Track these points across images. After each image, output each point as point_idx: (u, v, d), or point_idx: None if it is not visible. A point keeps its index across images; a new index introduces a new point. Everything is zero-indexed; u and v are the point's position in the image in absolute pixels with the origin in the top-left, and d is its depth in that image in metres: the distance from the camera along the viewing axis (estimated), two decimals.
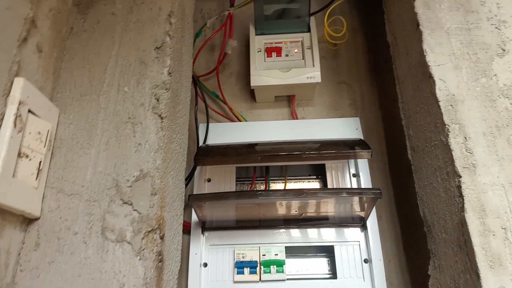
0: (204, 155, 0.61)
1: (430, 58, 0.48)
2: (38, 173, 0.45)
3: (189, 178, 0.66)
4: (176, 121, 0.53)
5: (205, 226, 0.62)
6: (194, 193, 0.65)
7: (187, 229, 0.63)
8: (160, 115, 0.48)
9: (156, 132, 0.47)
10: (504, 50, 0.47)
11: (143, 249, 0.41)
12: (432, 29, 0.50)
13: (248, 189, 0.70)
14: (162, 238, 0.44)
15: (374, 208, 0.61)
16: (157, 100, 0.49)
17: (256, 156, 0.58)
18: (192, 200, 0.51)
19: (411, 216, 0.69)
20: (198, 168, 0.67)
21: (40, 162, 0.45)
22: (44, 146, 0.46)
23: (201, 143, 0.68)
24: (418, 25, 0.50)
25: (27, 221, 0.45)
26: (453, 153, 0.43)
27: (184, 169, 0.56)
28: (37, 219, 0.45)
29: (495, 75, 0.46)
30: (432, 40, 0.49)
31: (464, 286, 0.41)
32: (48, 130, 0.47)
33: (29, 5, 0.46)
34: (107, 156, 0.46)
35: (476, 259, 0.38)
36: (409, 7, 0.54)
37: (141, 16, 0.55)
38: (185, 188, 0.65)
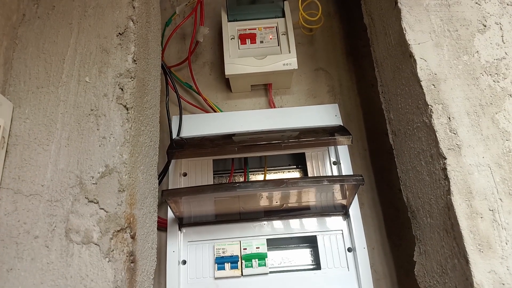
0: (178, 148, 0.57)
1: (410, 37, 0.46)
2: None
3: (163, 173, 0.62)
4: (144, 112, 0.49)
5: (183, 222, 0.59)
6: (169, 188, 0.61)
7: (163, 226, 0.60)
8: (125, 106, 0.44)
9: (121, 124, 0.43)
10: (485, 26, 0.45)
11: (112, 250, 0.38)
12: (411, 6, 0.48)
13: (227, 182, 0.67)
14: (133, 237, 0.40)
15: (356, 196, 0.60)
16: (122, 89, 0.45)
17: (233, 147, 0.55)
18: (166, 196, 0.48)
19: (394, 202, 0.68)
20: (173, 162, 0.63)
21: None
22: None
23: (175, 136, 0.65)
24: (396, 2, 0.48)
25: None
26: (437, 134, 0.41)
27: (156, 163, 0.53)
28: None
29: (477, 52, 0.44)
30: (411, 17, 0.47)
31: (451, 271, 0.40)
32: (1, 126, 0.42)
33: None
34: (69, 152, 0.42)
35: (464, 243, 0.37)
36: None
37: (100, 0, 0.50)
38: (160, 183, 0.62)
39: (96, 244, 0.38)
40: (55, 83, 0.45)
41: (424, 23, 0.46)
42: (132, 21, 0.49)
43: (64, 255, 0.38)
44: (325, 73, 0.81)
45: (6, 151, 0.43)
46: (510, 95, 0.42)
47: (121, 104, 0.44)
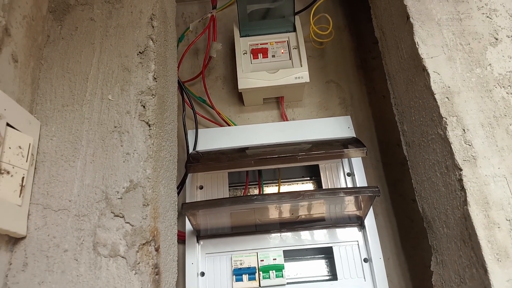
0: (195, 161, 0.59)
1: (423, 51, 0.47)
2: (21, 190, 0.42)
3: (180, 186, 0.63)
4: (164, 128, 0.51)
5: (200, 235, 0.60)
6: (187, 201, 0.62)
7: (181, 239, 0.61)
8: (147, 122, 0.46)
9: (144, 140, 0.45)
10: (496, 39, 0.47)
11: (139, 263, 0.39)
12: (423, 21, 0.49)
13: (242, 194, 0.68)
14: (157, 250, 0.41)
15: (371, 207, 0.60)
16: (144, 106, 0.46)
17: (248, 160, 0.56)
18: (185, 209, 0.49)
19: (408, 212, 0.68)
20: (189, 175, 0.65)
21: (23, 178, 0.43)
22: (26, 161, 0.43)
23: (191, 150, 0.66)
24: (408, 17, 0.50)
25: (13, 240, 0.42)
26: (452, 146, 0.42)
27: (175, 177, 0.54)
28: (23, 238, 0.42)
29: (490, 64, 0.45)
30: (424, 32, 0.48)
31: (470, 280, 0.40)
32: (30, 144, 0.44)
33: (0, 13, 0.43)
34: (94, 168, 0.44)
35: (483, 253, 0.37)
36: (397, 0, 0.53)
37: (121, 20, 0.53)
38: (177, 196, 0.63)
39: (123, 257, 0.39)
40: (79, 101, 0.47)
41: (436, 37, 0.48)
42: (152, 40, 0.51)
43: (93, 268, 0.39)
44: (336, 85, 0.82)
45: (35, 168, 0.44)
46: None
47: (143, 120, 0.46)
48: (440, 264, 0.48)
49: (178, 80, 0.68)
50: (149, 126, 0.46)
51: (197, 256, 0.59)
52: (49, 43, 0.52)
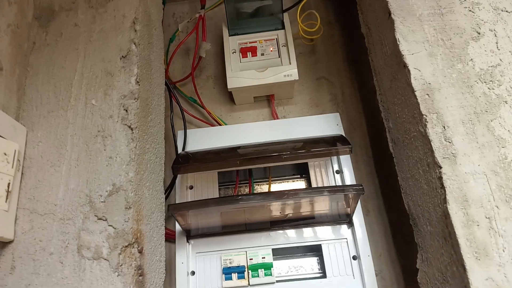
0: (183, 162, 0.59)
1: (404, 47, 0.47)
2: (7, 195, 0.43)
3: (170, 187, 0.64)
4: (148, 131, 0.51)
5: (190, 234, 0.61)
6: (177, 201, 0.63)
7: (173, 238, 0.62)
8: (130, 126, 0.46)
9: (127, 144, 0.45)
10: (479, 33, 0.46)
11: (121, 265, 0.40)
12: (404, 16, 0.48)
13: (232, 193, 0.69)
14: (140, 251, 0.42)
15: (359, 204, 0.60)
16: (126, 110, 0.47)
17: (234, 160, 0.57)
18: (171, 211, 0.49)
19: (399, 208, 0.68)
20: (179, 175, 0.65)
21: (9, 183, 0.44)
22: (12, 167, 0.44)
23: (180, 151, 0.67)
24: (390, 13, 0.49)
25: (1, 244, 0.43)
26: (432, 144, 0.42)
27: (162, 178, 0.55)
28: (10, 242, 0.43)
29: (471, 59, 0.45)
30: (405, 28, 0.48)
31: (451, 278, 0.40)
32: (15, 150, 0.45)
33: None
34: (79, 172, 0.44)
35: (461, 251, 0.37)
36: None
37: (104, 25, 0.53)
38: (167, 197, 0.64)
39: (105, 259, 0.40)
40: (64, 107, 0.48)
41: (417, 33, 0.47)
42: (134, 44, 0.52)
43: (77, 270, 0.40)
44: (327, 82, 0.81)
45: (22, 173, 0.45)
46: (505, 101, 0.42)
47: (125, 124, 0.46)
48: (425, 261, 0.48)
49: (166, 81, 0.68)
50: (132, 129, 0.46)
51: (188, 256, 0.60)
52: (35, 49, 0.53)
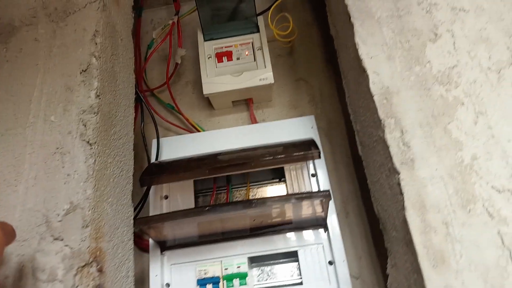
0: (155, 173, 0.59)
1: (363, 51, 0.46)
2: None
3: (144, 199, 0.64)
4: (111, 145, 0.51)
5: (165, 245, 0.60)
6: (151, 212, 0.63)
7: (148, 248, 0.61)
8: (88, 142, 0.46)
9: (85, 160, 0.45)
10: (436, 35, 0.45)
11: (77, 286, 0.39)
12: (363, 19, 0.47)
13: (209, 201, 0.68)
14: (100, 270, 0.42)
15: (334, 208, 0.60)
16: (85, 126, 0.47)
17: (206, 169, 0.56)
18: (136, 226, 0.49)
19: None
20: (153, 186, 0.65)
21: None
22: None
23: (153, 160, 0.66)
24: (349, 17, 0.48)
25: None
26: (390, 149, 0.41)
27: (129, 191, 0.54)
28: None
29: (429, 61, 0.44)
30: (364, 31, 0.47)
31: (414, 285, 0.39)
32: None
33: None
34: (36, 191, 0.44)
35: (419, 259, 0.37)
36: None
37: (65, 39, 0.52)
38: (141, 209, 0.63)
39: (60, 281, 0.39)
40: (22, 125, 0.48)
41: (376, 36, 0.46)
42: (95, 57, 0.51)
43: None
44: (305, 83, 0.81)
45: None
46: (462, 103, 0.41)
47: (84, 140, 0.46)
48: (394, 267, 0.47)
49: (136, 90, 0.68)
50: (90, 145, 0.46)
51: (162, 268, 0.59)
52: None
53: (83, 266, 0.40)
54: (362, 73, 0.47)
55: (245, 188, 0.70)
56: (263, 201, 0.50)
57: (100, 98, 0.49)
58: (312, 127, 0.68)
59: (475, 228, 0.37)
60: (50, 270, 0.40)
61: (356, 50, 0.47)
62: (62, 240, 0.41)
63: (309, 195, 0.51)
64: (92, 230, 0.42)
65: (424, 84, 0.43)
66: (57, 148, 0.46)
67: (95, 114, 0.48)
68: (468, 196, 0.38)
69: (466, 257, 0.36)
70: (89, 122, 0.47)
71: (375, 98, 0.43)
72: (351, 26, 0.48)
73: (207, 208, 0.50)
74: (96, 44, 0.52)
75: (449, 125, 0.40)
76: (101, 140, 0.48)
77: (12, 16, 0.55)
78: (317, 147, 0.56)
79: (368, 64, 0.45)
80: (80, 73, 0.50)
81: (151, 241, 0.60)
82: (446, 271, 0.36)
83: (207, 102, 0.80)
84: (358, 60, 0.47)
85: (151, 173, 0.58)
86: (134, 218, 0.52)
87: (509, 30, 0.44)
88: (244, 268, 0.58)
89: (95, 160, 0.45)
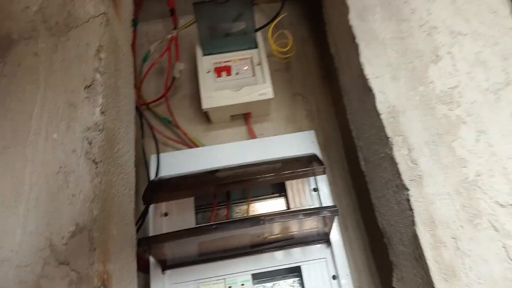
0: (156, 190, 0.58)
1: (368, 71, 0.47)
2: None
3: (143, 217, 0.62)
4: (115, 162, 0.49)
5: (166, 265, 0.59)
6: (150, 230, 0.61)
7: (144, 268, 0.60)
8: (94, 160, 0.45)
9: (91, 180, 0.43)
10: (437, 56, 0.47)
11: None
12: (368, 41, 0.49)
13: (210, 217, 0.67)
14: None
15: (337, 223, 0.60)
16: (90, 144, 0.45)
17: (210, 186, 0.56)
18: (143, 245, 0.48)
19: (377, 223, 0.68)
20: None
21: None
22: None
23: (153, 176, 0.65)
24: (354, 37, 0.50)
25: None
26: (399, 166, 0.42)
27: (132, 210, 0.53)
28: None
29: (432, 82, 0.46)
30: (369, 52, 0.48)
31: None
32: None
33: None
34: (38, 213, 0.42)
35: (431, 274, 0.37)
36: (344, 19, 0.53)
37: (67, 54, 0.51)
38: (140, 228, 0.62)
39: None
40: (22, 142, 0.46)
41: (381, 57, 0.48)
42: (99, 72, 0.50)
43: None
44: (302, 98, 0.82)
45: None
46: (464, 122, 0.43)
47: (89, 159, 0.45)
48: (400, 280, 0.48)
49: (136, 106, 0.67)
50: (96, 164, 0.45)
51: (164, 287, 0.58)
52: None
53: None
54: (367, 92, 0.48)
55: (245, 202, 0.69)
56: (272, 218, 0.50)
57: (105, 115, 0.48)
58: (312, 142, 0.69)
59: (482, 242, 0.38)
60: None
61: (361, 70, 0.49)
62: (68, 264, 0.39)
63: (317, 211, 0.51)
64: (100, 253, 0.41)
65: (428, 103, 0.45)
66: (60, 167, 0.44)
67: (100, 131, 0.47)
68: (474, 211, 0.39)
69: (475, 270, 0.37)
70: (94, 140, 0.46)
71: (382, 116, 0.44)
72: (355, 46, 0.50)
73: (215, 225, 0.49)
74: (100, 59, 0.51)
75: (453, 143, 0.42)
76: (106, 159, 0.47)
77: (10, 30, 0.54)
78: (321, 163, 0.57)
79: (374, 83, 0.46)
80: (84, 89, 0.49)
81: (151, 260, 0.58)
82: (457, 284, 0.37)
83: (204, 116, 0.80)
84: (363, 79, 0.49)
85: (152, 191, 0.57)
86: (139, 238, 0.50)
87: (504, 54, 0.46)
88: (248, 285, 0.58)
89: (101, 180, 0.44)
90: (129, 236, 0.50)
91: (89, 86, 0.49)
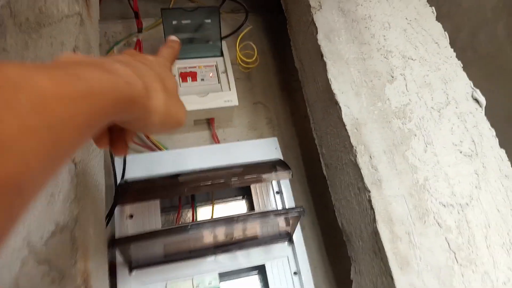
0: (122, 192, 0.58)
1: (335, 86, 0.53)
2: None
3: (109, 217, 0.61)
4: (90, 163, 0.49)
5: (132, 265, 0.59)
6: (116, 232, 0.61)
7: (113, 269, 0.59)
8: (73, 161, 0.44)
9: (70, 180, 0.43)
10: (392, 77, 0.55)
11: None
12: (334, 60, 0.55)
13: (175, 219, 0.68)
14: None
15: (299, 222, 0.65)
16: None
17: (180, 189, 0.57)
18: (116, 246, 0.48)
19: (331, 223, 0.75)
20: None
21: None
22: None
23: (119, 179, 0.65)
24: (322, 56, 0.56)
25: None
26: (362, 171, 0.48)
27: (103, 211, 0.53)
28: None
29: (388, 99, 0.53)
30: (335, 69, 0.55)
31: (381, 286, 0.47)
32: None
33: None
34: None
35: (389, 263, 0.44)
36: (312, 38, 0.59)
37: (39, 52, 0.50)
38: (106, 227, 0.61)
39: None
40: None
41: (345, 75, 0.54)
42: None
43: None
44: (263, 107, 0.87)
45: None
46: (415, 135, 0.51)
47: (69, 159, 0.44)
48: (358, 273, 0.54)
49: None
50: (75, 164, 0.44)
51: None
52: None
53: None
54: (333, 105, 0.54)
55: (209, 204, 0.72)
56: (245, 217, 0.53)
57: None
58: (276, 148, 0.73)
59: (429, 236, 0.45)
60: None
61: (328, 85, 0.54)
62: (48, 263, 0.39)
63: (287, 212, 0.55)
64: (81, 252, 0.41)
65: (385, 117, 0.52)
66: None
67: None
68: (423, 210, 0.46)
69: (424, 260, 0.44)
70: None
71: (347, 127, 0.50)
72: (323, 64, 0.56)
73: (189, 225, 0.51)
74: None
75: (406, 152, 0.50)
76: (84, 159, 0.46)
77: None
78: (287, 167, 0.61)
79: (340, 98, 0.52)
80: None
81: (118, 261, 0.58)
82: (410, 272, 0.43)
83: None
84: (329, 93, 0.54)
85: (118, 193, 0.57)
86: (111, 239, 0.50)
87: (444, 78, 0.56)
88: (216, 283, 0.60)
89: (80, 180, 0.44)
90: (102, 236, 0.50)
91: None
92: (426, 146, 0.50)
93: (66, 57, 0.25)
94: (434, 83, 0.55)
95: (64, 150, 0.20)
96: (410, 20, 0.61)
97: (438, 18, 0.63)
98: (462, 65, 0.59)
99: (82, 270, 0.40)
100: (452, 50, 0.59)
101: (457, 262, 0.45)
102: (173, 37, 0.42)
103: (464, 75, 0.57)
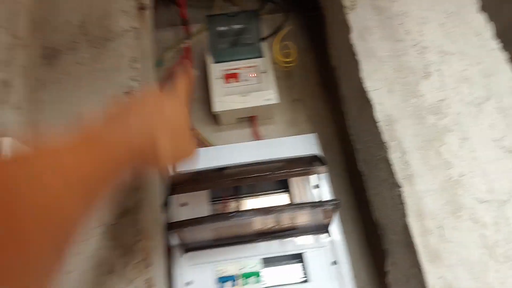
0: (176, 183, 0.65)
1: (368, 84, 0.55)
2: None
3: (164, 205, 0.69)
4: None
5: (186, 248, 0.67)
6: (170, 218, 0.69)
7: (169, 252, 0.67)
8: None
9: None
10: (428, 73, 0.55)
11: (133, 280, 0.46)
12: (368, 58, 0.57)
13: (223, 208, 0.75)
14: (148, 266, 0.48)
15: (338, 214, 0.68)
16: None
17: (226, 181, 0.63)
18: (172, 228, 0.56)
19: (371, 217, 0.77)
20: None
21: None
22: None
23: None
24: (355, 54, 0.58)
25: None
26: (394, 167, 0.50)
27: (159, 199, 0.61)
28: None
29: (422, 95, 0.54)
30: (368, 68, 0.56)
31: (412, 278, 0.49)
32: None
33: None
34: None
35: (420, 256, 0.46)
36: (346, 37, 0.61)
37: (103, 64, 0.59)
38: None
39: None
40: None
41: (379, 72, 0.56)
42: (136, 81, 0.58)
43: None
44: (303, 104, 0.90)
45: None
46: (450, 130, 0.52)
47: None
48: (393, 265, 0.56)
49: None
50: None
51: (183, 268, 0.65)
52: (41, 87, 0.58)
53: (137, 263, 0.46)
54: (366, 102, 0.56)
55: (252, 197, 0.77)
56: (282, 208, 0.58)
57: None
58: (315, 144, 0.76)
59: (462, 231, 0.46)
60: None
61: (361, 83, 0.57)
62: (118, 239, 0.47)
63: (322, 203, 0.59)
64: (143, 233, 0.48)
65: (419, 114, 0.53)
66: None
67: None
68: (457, 206, 0.47)
69: (456, 254, 0.45)
70: None
71: (380, 124, 0.53)
72: (356, 62, 0.58)
73: (234, 213, 0.57)
74: (135, 69, 0.58)
75: (440, 148, 0.50)
76: None
77: (57, 42, 0.61)
78: (324, 163, 0.65)
79: (373, 95, 0.54)
80: (124, 94, 0.57)
81: (172, 244, 0.66)
82: (441, 265, 0.45)
83: (213, 119, 0.87)
84: (362, 91, 0.57)
85: (176, 183, 0.65)
86: (167, 223, 0.58)
87: (485, 73, 0.55)
88: (258, 267, 0.66)
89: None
90: (159, 220, 0.58)
91: (128, 93, 0.57)
92: (462, 142, 0.50)
93: (87, 125, 0.32)
94: (473, 78, 0.54)
95: (94, 199, 0.29)
96: (450, 13, 0.60)
97: (483, 8, 0.61)
98: (509, 58, 0.57)
99: (143, 248, 0.48)
100: (495, 42, 0.58)
101: (493, 258, 0.45)
102: (189, 68, 0.46)
103: (508, 68, 0.56)
